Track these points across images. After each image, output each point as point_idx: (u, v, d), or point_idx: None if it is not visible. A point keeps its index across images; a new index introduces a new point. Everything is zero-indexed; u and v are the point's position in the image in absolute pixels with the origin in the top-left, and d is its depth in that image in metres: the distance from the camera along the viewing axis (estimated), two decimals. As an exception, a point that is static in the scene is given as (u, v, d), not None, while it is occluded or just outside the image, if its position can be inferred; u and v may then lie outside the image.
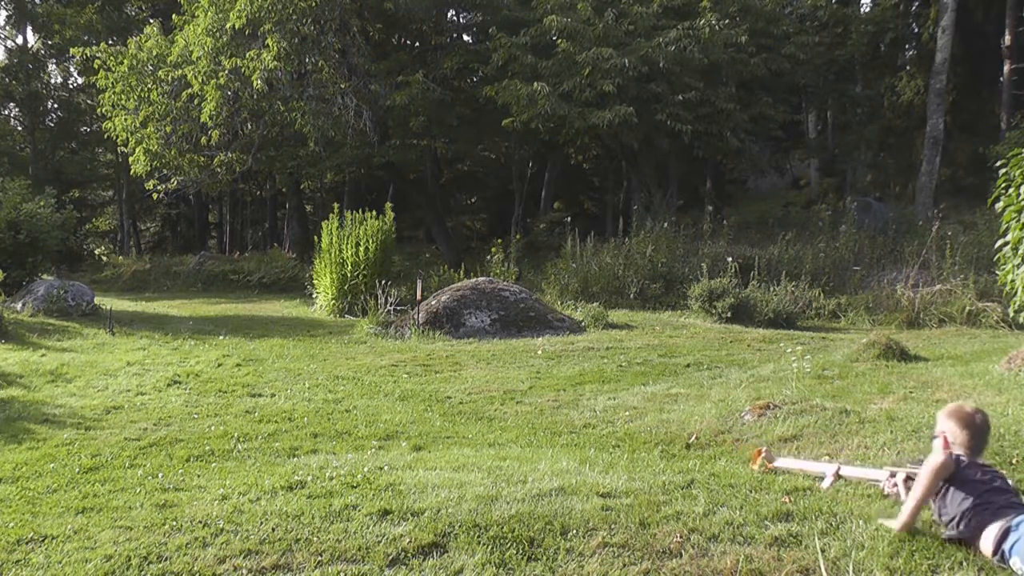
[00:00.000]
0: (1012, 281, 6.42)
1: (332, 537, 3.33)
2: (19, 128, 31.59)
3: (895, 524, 3.28)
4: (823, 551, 3.07)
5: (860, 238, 14.61)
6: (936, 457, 3.38)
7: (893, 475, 3.76)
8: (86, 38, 25.84)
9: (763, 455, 4.43)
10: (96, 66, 18.80)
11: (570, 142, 21.14)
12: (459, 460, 4.60)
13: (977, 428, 3.53)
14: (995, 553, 3.04)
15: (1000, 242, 6.48)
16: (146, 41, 18.51)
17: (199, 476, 4.55)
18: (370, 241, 13.70)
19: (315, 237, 15.20)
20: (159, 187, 20.82)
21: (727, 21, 16.59)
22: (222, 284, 21.72)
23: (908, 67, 23.47)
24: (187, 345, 10.18)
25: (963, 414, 3.58)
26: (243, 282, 21.26)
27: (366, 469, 4.29)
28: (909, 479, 3.60)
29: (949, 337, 9.77)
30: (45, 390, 7.40)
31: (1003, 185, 6.28)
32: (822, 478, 4.07)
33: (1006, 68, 19.63)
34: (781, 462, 4.39)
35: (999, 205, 6.35)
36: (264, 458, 5.01)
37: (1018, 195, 6.09)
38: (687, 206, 21.53)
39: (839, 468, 4.08)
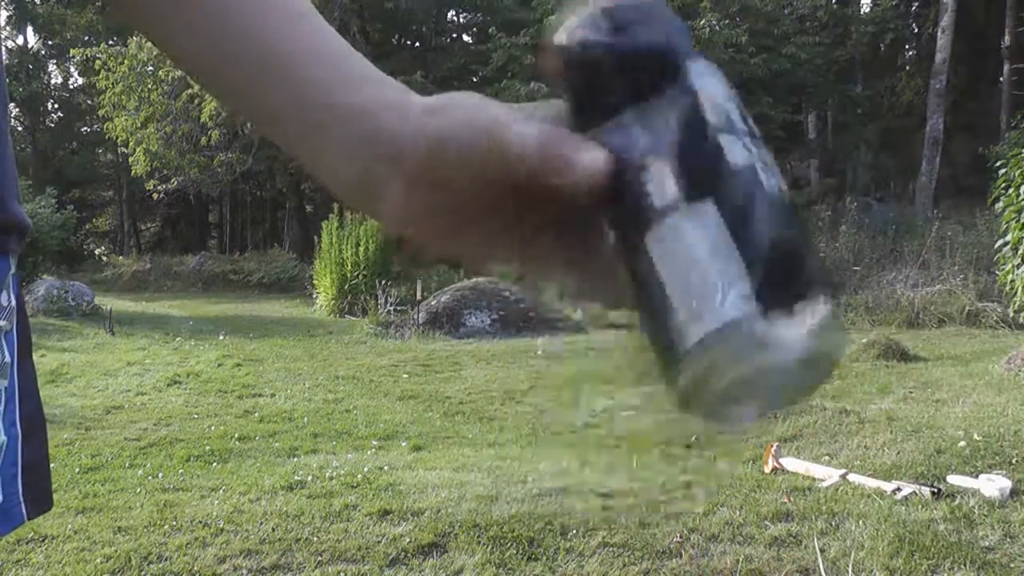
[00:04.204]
0: (1012, 281, 6.42)
1: (332, 537, 3.33)
2: (19, 128, 31.58)
3: None
4: (823, 551, 3.07)
5: (860, 238, 14.58)
6: None
7: (898, 490, 3.74)
8: (86, 39, 25.86)
9: (773, 452, 4.41)
10: (96, 67, 18.82)
11: (570, 142, 21.12)
12: (459, 460, 4.60)
13: None
14: None
15: (1000, 242, 6.48)
16: (146, 42, 18.48)
17: (199, 476, 4.55)
18: (370, 241, 13.69)
19: (315, 237, 15.19)
20: (159, 187, 20.84)
21: (727, 21, 16.61)
22: (222, 284, 21.70)
23: (908, 67, 23.47)
24: (187, 345, 10.18)
25: None
26: (243, 282, 21.24)
27: (366, 469, 4.29)
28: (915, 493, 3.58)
29: (949, 337, 9.76)
30: (45, 390, 7.38)
31: (1003, 185, 6.29)
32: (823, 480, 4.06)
33: (1006, 68, 19.63)
34: (788, 463, 4.37)
35: (999, 205, 6.36)
36: (264, 458, 5.01)
37: (1018, 195, 6.09)
38: (687, 206, 21.49)
39: (845, 474, 4.06)
